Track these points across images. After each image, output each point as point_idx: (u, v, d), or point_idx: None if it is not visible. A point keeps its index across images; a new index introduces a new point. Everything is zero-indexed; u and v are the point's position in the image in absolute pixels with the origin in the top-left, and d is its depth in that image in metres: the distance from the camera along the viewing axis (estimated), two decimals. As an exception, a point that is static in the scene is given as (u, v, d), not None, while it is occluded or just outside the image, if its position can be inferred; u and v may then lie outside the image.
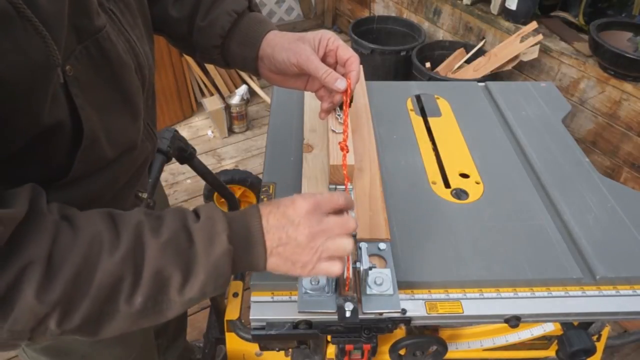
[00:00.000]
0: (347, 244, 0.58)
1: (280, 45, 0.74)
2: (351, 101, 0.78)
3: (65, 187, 0.57)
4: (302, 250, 0.56)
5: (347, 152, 0.76)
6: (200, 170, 1.27)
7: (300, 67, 0.73)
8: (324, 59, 0.75)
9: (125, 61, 0.58)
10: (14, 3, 0.41)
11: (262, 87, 2.85)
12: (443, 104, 1.17)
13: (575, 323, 0.85)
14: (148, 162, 0.77)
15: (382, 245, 0.75)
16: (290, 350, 0.95)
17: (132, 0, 0.64)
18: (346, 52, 0.74)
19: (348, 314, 0.67)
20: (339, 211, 0.60)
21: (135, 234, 0.51)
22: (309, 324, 0.71)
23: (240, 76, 2.86)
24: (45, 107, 0.48)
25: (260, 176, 1.08)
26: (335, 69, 0.75)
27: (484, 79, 2.21)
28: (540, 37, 2.11)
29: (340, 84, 0.72)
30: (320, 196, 0.58)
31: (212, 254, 0.53)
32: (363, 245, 0.70)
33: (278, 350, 0.86)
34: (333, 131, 0.84)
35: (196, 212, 0.56)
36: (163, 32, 0.81)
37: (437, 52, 2.59)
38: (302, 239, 0.56)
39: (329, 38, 0.74)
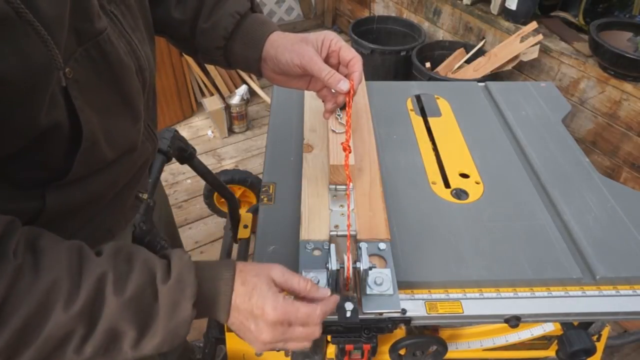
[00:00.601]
0: (306, 345, 0.60)
1: (283, 47, 0.74)
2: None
3: (64, 187, 0.57)
4: (257, 343, 0.58)
5: (350, 152, 0.76)
6: (200, 170, 1.28)
7: (303, 68, 0.73)
8: (326, 60, 0.75)
9: (126, 63, 0.58)
10: (15, 7, 0.41)
11: (262, 87, 2.85)
12: (443, 104, 1.17)
13: (575, 323, 0.85)
14: (149, 163, 0.77)
15: (382, 245, 0.75)
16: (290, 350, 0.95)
17: (134, 2, 0.63)
18: (349, 53, 0.75)
19: (348, 314, 0.67)
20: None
21: (97, 286, 0.49)
22: (309, 324, 0.71)
23: (240, 76, 2.87)
24: (43, 109, 0.48)
25: (260, 176, 1.08)
26: (337, 69, 0.75)
27: (484, 79, 2.21)
28: (540, 37, 2.11)
29: (343, 85, 0.72)
30: (293, 309, 0.57)
31: (174, 320, 0.53)
32: (363, 245, 0.70)
33: (278, 350, 0.86)
34: (333, 131, 0.85)
35: (169, 266, 0.54)
36: (165, 34, 0.80)
37: (437, 52, 2.59)
38: (262, 339, 0.57)
39: (332, 39, 0.75)
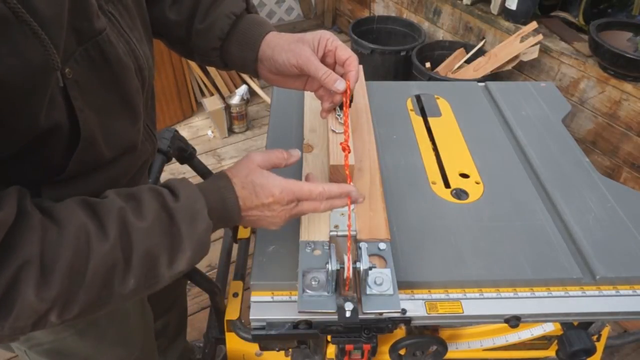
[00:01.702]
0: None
1: (280, 47, 0.74)
2: (351, 101, 0.78)
3: (60, 184, 0.58)
4: (276, 223, 0.65)
5: (349, 152, 0.76)
6: (200, 170, 1.27)
7: (300, 68, 0.73)
8: (322, 59, 0.75)
9: (126, 63, 0.58)
10: (12, 7, 0.41)
11: (262, 87, 2.85)
12: (443, 104, 1.17)
13: (575, 323, 0.85)
14: (148, 163, 0.77)
15: (382, 245, 0.75)
16: (290, 350, 0.95)
17: (131, 2, 0.63)
18: (345, 53, 0.75)
19: (348, 314, 0.67)
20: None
21: (120, 220, 0.52)
22: (309, 324, 0.71)
23: (240, 76, 2.86)
24: (42, 110, 0.48)
25: (260, 176, 1.07)
26: (334, 69, 0.75)
27: (484, 79, 2.21)
28: (540, 37, 2.11)
29: (340, 85, 0.73)
30: (297, 187, 0.64)
31: (196, 232, 0.57)
32: (363, 245, 0.70)
33: (278, 350, 0.86)
34: (333, 131, 0.84)
35: (172, 190, 0.58)
36: (161, 36, 0.80)
37: (437, 52, 2.59)
38: (277, 220, 0.65)
39: (328, 39, 0.75)
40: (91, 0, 0.51)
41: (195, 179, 1.01)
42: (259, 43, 0.76)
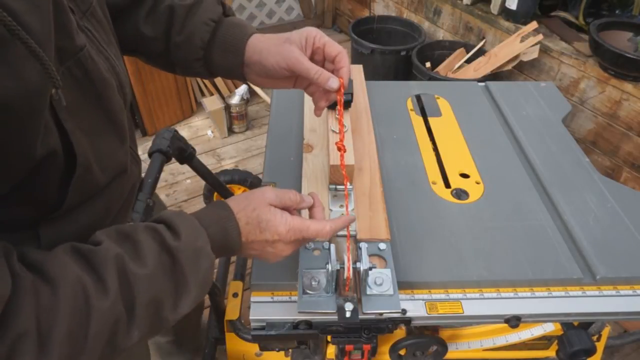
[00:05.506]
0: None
1: (267, 50, 0.72)
2: (351, 100, 0.77)
3: (58, 221, 0.54)
4: (276, 258, 0.64)
5: (344, 152, 0.76)
6: (200, 170, 1.27)
7: (291, 69, 0.71)
8: (311, 57, 0.73)
9: (108, 80, 0.55)
10: (7, 24, 0.38)
11: (262, 87, 2.85)
12: (443, 103, 1.17)
13: (576, 323, 0.85)
14: (136, 187, 0.75)
15: (382, 245, 0.75)
16: (290, 350, 0.95)
17: (103, 17, 0.60)
18: (334, 49, 0.72)
19: (348, 314, 0.67)
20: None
21: (118, 270, 0.48)
22: (309, 324, 0.71)
23: (240, 76, 2.86)
24: (39, 136, 0.45)
25: (260, 176, 1.07)
26: (323, 65, 0.73)
27: (484, 78, 2.21)
28: (540, 37, 2.11)
29: (333, 83, 0.70)
30: (304, 227, 0.62)
31: (201, 270, 0.54)
32: (363, 245, 0.70)
33: (278, 351, 0.86)
34: (333, 131, 0.84)
35: (170, 227, 0.54)
36: (136, 52, 0.77)
37: (437, 52, 2.59)
38: (283, 255, 0.63)
39: (315, 36, 0.72)
40: (70, 16, 0.48)
41: (195, 178, 1.00)
42: (242, 47, 0.73)
